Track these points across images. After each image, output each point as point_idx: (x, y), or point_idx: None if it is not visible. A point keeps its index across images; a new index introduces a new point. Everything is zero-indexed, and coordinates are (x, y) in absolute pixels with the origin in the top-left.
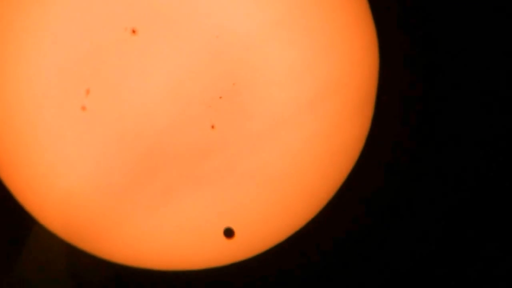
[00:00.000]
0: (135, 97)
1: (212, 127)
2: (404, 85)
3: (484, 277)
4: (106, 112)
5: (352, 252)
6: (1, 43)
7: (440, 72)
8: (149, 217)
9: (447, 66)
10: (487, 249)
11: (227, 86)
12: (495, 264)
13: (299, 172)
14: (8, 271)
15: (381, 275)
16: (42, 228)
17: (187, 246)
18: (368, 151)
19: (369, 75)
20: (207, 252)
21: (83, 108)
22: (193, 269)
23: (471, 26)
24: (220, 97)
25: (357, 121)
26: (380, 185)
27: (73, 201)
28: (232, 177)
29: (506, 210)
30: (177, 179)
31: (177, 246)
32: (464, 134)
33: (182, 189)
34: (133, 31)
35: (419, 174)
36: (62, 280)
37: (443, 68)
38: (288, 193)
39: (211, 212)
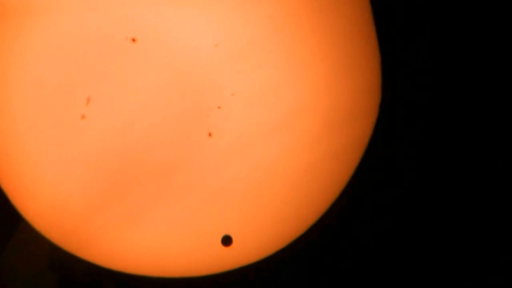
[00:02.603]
0: (135, 104)
1: (210, 134)
2: (391, 105)
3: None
4: (106, 120)
5: (342, 258)
6: (1, 50)
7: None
8: (146, 221)
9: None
10: (499, 254)
11: (225, 96)
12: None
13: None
14: None
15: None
16: (29, 226)
17: (173, 253)
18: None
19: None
20: (190, 259)
21: (83, 116)
22: (173, 276)
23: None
24: (219, 107)
25: (354, 129)
26: (370, 205)
27: (67, 206)
28: (227, 183)
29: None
30: (174, 184)
31: (163, 252)
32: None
33: (179, 194)
34: (133, 40)
35: (405, 194)
36: (45, 276)
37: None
38: (278, 206)
39: (203, 218)
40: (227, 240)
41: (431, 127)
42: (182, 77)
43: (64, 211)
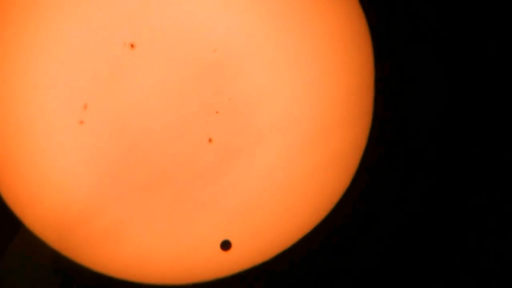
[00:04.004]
0: (133, 109)
1: (210, 140)
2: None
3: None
4: (104, 126)
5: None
6: (1, 58)
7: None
8: (146, 226)
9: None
10: (489, 251)
11: (223, 101)
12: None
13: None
14: None
15: None
16: (28, 232)
17: (174, 258)
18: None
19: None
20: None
21: (81, 122)
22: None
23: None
24: (217, 112)
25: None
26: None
27: (66, 211)
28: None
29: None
30: (174, 193)
31: (163, 257)
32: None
33: (176, 202)
34: (132, 46)
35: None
36: (45, 280)
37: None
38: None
39: (202, 223)
40: (226, 245)
41: (428, 130)
42: (180, 82)
43: (63, 216)
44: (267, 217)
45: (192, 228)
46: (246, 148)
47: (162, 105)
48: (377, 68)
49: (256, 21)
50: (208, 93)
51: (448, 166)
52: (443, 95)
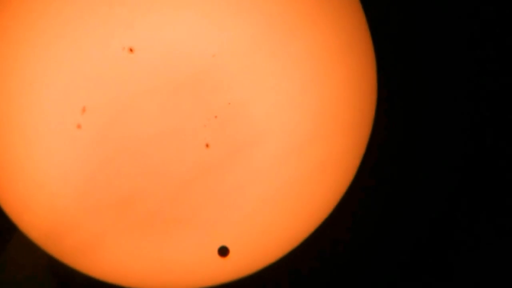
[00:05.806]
0: (132, 114)
1: (207, 145)
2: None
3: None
4: (102, 130)
5: None
6: None
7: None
8: (139, 236)
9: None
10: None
11: (222, 106)
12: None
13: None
14: None
15: None
16: (24, 237)
17: (171, 262)
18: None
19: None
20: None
21: (79, 126)
22: None
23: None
24: (216, 117)
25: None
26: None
27: (60, 216)
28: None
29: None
30: (173, 198)
31: (161, 262)
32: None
33: (174, 208)
34: (131, 50)
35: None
36: (41, 285)
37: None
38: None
39: (200, 228)
40: (223, 251)
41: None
42: (179, 87)
43: (59, 221)
44: (263, 224)
45: (189, 232)
46: (245, 151)
47: (162, 109)
48: (379, 72)
49: (257, 27)
50: (207, 98)
51: (449, 169)
52: (446, 97)
